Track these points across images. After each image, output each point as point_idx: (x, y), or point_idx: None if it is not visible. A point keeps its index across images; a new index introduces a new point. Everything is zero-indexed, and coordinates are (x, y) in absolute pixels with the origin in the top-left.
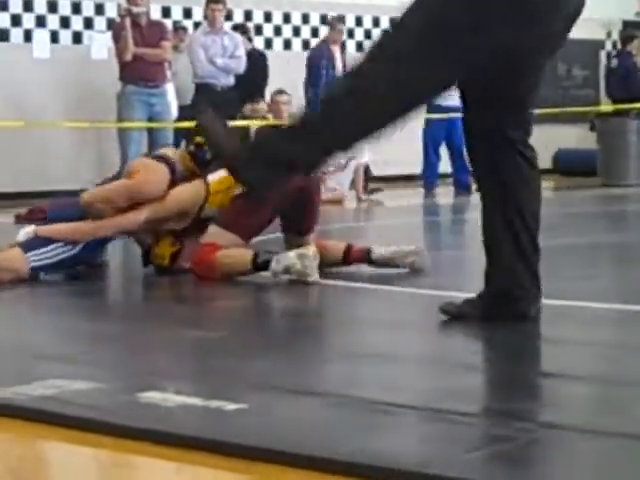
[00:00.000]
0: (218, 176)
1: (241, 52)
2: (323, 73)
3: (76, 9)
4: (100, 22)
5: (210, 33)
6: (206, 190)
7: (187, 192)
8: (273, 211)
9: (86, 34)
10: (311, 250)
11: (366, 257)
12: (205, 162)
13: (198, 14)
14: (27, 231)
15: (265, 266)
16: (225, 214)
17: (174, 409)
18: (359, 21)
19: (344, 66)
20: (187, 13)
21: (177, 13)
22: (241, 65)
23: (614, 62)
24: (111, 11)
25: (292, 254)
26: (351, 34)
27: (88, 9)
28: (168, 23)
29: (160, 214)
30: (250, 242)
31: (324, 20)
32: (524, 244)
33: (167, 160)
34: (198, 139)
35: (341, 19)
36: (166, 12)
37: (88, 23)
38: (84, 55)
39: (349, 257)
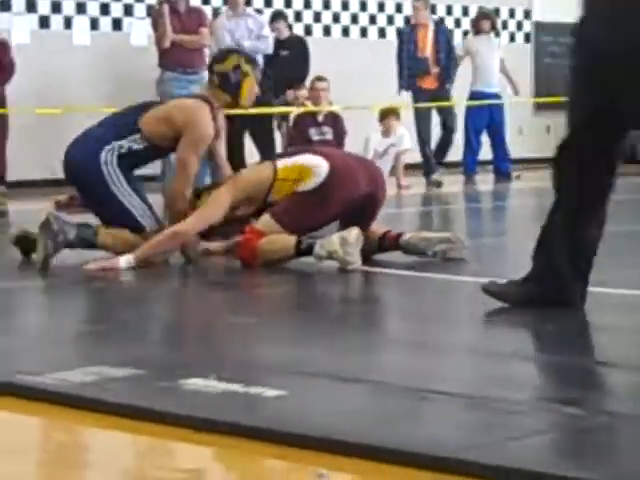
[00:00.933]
0: (289, 163)
1: (267, 32)
2: (404, 56)
3: None
4: (140, 9)
5: (233, 17)
6: (274, 173)
7: (255, 173)
8: (334, 216)
9: (126, 21)
10: (353, 234)
11: (396, 243)
12: (234, 87)
13: None
14: (127, 259)
15: (309, 251)
16: (283, 207)
17: (215, 396)
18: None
19: (435, 43)
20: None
21: None
22: (269, 45)
23: None
24: None
25: (335, 238)
26: (391, 20)
27: None
28: (208, 10)
29: (234, 195)
30: None
31: (363, 6)
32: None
33: (207, 100)
34: (218, 67)
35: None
36: None
37: (128, 10)
38: (124, 42)
39: (383, 244)
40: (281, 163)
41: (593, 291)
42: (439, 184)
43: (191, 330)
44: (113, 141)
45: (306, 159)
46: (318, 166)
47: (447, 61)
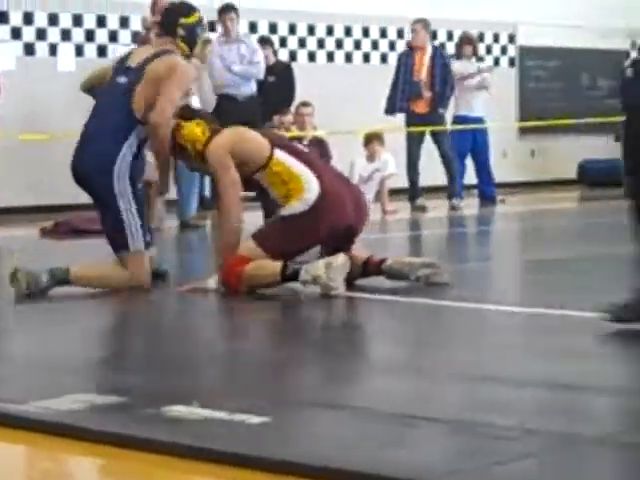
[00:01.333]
0: (286, 162)
1: (259, 58)
2: (400, 78)
3: (101, 22)
4: (125, 35)
5: (225, 42)
6: (268, 158)
7: (254, 146)
8: (319, 242)
9: (111, 47)
10: (339, 259)
11: (379, 269)
12: (196, 40)
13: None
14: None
15: (294, 276)
16: (266, 233)
17: (198, 423)
18: (383, 32)
19: (432, 67)
20: (211, 27)
21: None
22: (260, 70)
23: (629, 72)
24: (136, 24)
25: (321, 264)
26: (375, 45)
27: (113, 22)
28: None
29: (231, 152)
30: None
31: (348, 32)
32: None
33: (174, 52)
34: (185, 21)
35: (421, 21)
36: None
37: (113, 36)
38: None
39: (366, 269)
40: (279, 155)
41: (573, 315)
42: (424, 209)
43: (176, 357)
44: (123, 143)
45: (303, 172)
46: (309, 190)
47: (442, 86)
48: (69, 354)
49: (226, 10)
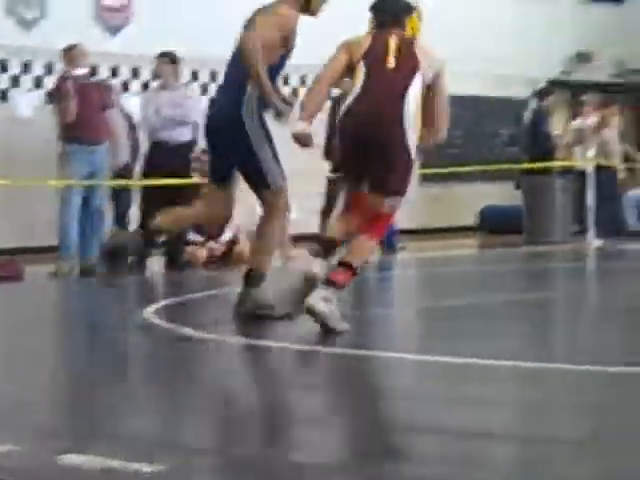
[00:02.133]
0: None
1: (190, 103)
2: None
3: (3, 67)
4: (26, 81)
5: (161, 89)
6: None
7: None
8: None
9: (12, 92)
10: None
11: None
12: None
13: None
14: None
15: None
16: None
17: (93, 472)
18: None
19: None
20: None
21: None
22: (190, 114)
23: (527, 118)
24: (38, 69)
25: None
26: None
27: (14, 68)
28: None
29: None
30: None
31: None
32: None
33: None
34: None
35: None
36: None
37: (14, 81)
38: (9, 113)
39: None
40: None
41: (467, 362)
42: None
43: (70, 404)
44: (246, 85)
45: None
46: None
47: None
48: None
49: (161, 57)
